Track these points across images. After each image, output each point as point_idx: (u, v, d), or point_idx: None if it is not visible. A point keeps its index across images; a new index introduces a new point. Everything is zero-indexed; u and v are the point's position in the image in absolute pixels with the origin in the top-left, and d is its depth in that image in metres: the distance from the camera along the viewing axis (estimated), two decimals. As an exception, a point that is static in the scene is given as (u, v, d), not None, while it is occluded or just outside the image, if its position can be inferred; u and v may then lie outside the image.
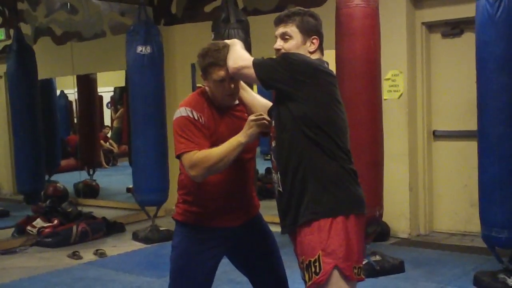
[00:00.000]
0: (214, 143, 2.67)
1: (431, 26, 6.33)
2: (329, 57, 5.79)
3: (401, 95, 6.17)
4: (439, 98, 6.34)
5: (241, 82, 2.82)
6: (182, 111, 2.73)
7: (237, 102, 2.85)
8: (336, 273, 2.44)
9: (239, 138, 2.62)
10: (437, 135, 6.35)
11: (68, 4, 8.76)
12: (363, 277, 2.54)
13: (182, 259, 2.86)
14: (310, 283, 2.46)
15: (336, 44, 4.97)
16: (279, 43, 2.60)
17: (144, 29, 6.49)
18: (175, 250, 2.88)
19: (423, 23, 6.28)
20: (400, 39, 6.15)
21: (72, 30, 8.96)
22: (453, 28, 6.20)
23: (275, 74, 2.48)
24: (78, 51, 8.87)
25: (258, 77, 2.52)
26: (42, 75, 8.37)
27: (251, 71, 2.54)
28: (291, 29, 2.58)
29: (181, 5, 7.94)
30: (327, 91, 2.49)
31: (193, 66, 7.83)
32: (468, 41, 5.79)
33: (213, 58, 2.69)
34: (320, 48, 2.63)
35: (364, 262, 4.92)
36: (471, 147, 5.39)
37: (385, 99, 5.68)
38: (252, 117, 2.61)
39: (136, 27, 6.54)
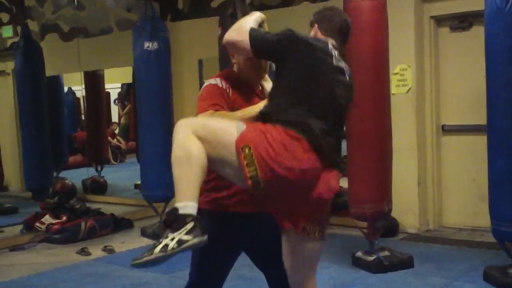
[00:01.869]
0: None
1: (439, 20, 6.29)
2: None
3: (409, 89, 6.14)
4: (448, 92, 6.30)
5: (266, 75, 2.90)
6: (210, 80, 2.79)
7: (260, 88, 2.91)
8: (241, 127, 2.44)
9: (256, 108, 2.66)
10: (446, 129, 6.31)
11: (75, 0, 8.76)
12: (246, 169, 2.38)
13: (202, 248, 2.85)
14: None
15: (344, 39, 4.95)
16: None
17: (151, 25, 6.47)
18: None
19: (431, 17, 6.24)
20: (408, 33, 6.12)
21: (79, 26, 8.96)
22: (462, 22, 6.16)
23: (267, 45, 2.59)
24: (85, 47, 8.88)
25: (251, 46, 2.58)
26: (49, 72, 8.37)
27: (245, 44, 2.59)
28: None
29: (187, 0, 7.93)
30: (309, 62, 2.55)
31: (200, 61, 7.82)
32: (476, 34, 5.75)
33: None
34: (323, 32, 2.73)
35: (372, 258, 4.95)
36: (480, 141, 5.36)
37: (393, 94, 5.65)
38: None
39: (142, 23, 6.53)
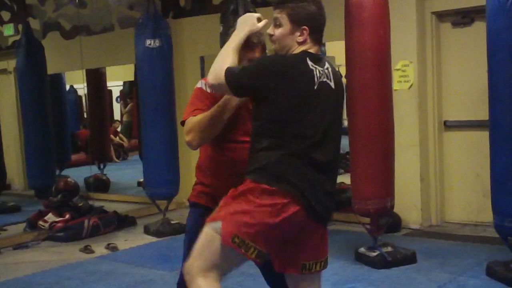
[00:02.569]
0: (232, 120, 2.75)
1: (441, 16, 6.28)
2: (339, 48, 5.80)
3: (411, 85, 6.13)
4: (450, 88, 6.30)
5: None
6: (199, 83, 2.86)
7: None
8: (216, 225, 2.46)
9: (226, 98, 2.69)
10: (448, 125, 6.31)
11: (76, -2, 8.76)
12: (249, 255, 2.44)
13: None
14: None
15: (346, 35, 4.95)
16: (271, 29, 2.59)
17: (153, 23, 6.47)
18: (188, 235, 2.93)
19: (433, 13, 6.23)
20: (410, 29, 6.11)
21: (80, 24, 8.96)
22: (464, 17, 6.15)
23: (241, 81, 2.50)
24: (87, 45, 8.88)
25: (231, 90, 2.52)
26: (51, 70, 8.38)
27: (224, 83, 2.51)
28: (282, 16, 2.54)
29: (189, -3, 7.93)
30: (286, 95, 2.45)
31: (202, 58, 7.81)
32: (478, 30, 5.75)
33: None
34: (314, 39, 2.56)
35: (375, 254, 4.95)
36: (482, 137, 5.35)
37: (395, 90, 5.63)
38: None
39: (144, 21, 6.52)
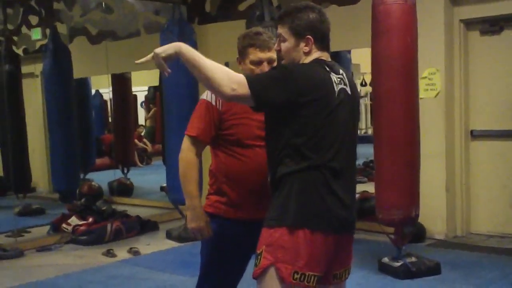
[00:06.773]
0: (241, 124, 2.78)
1: (469, 23, 6.21)
2: (364, 55, 5.74)
3: (438, 93, 6.06)
4: (477, 97, 6.21)
5: None
6: (204, 94, 2.88)
7: None
8: (272, 271, 2.40)
9: (190, 201, 2.81)
10: (475, 135, 6.22)
11: (103, 3, 8.81)
12: (311, 285, 2.42)
13: (213, 255, 2.92)
14: (253, 272, 2.49)
15: (372, 42, 4.91)
16: (277, 45, 2.57)
17: (178, 28, 6.49)
18: (210, 244, 2.90)
19: (461, 20, 6.16)
20: (438, 37, 6.04)
21: (107, 29, 9.02)
22: (492, 25, 6.07)
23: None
24: (112, 50, 8.93)
25: (254, 99, 2.38)
26: (77, 74, 8.42)
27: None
28: (284, 30, 2.51)
29: (215, 3, 7.93)
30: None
31: (226, 64, 7.77)
32: (507, 38, 5.68)
33: (252, 40, 2.77)
34: (320, 46, 2.51)
35: (399, 264, 4.88)
36: (510, 147, 5.27)
37: (421, 98, 5.57)
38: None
39: (170, 26, 6.54)
